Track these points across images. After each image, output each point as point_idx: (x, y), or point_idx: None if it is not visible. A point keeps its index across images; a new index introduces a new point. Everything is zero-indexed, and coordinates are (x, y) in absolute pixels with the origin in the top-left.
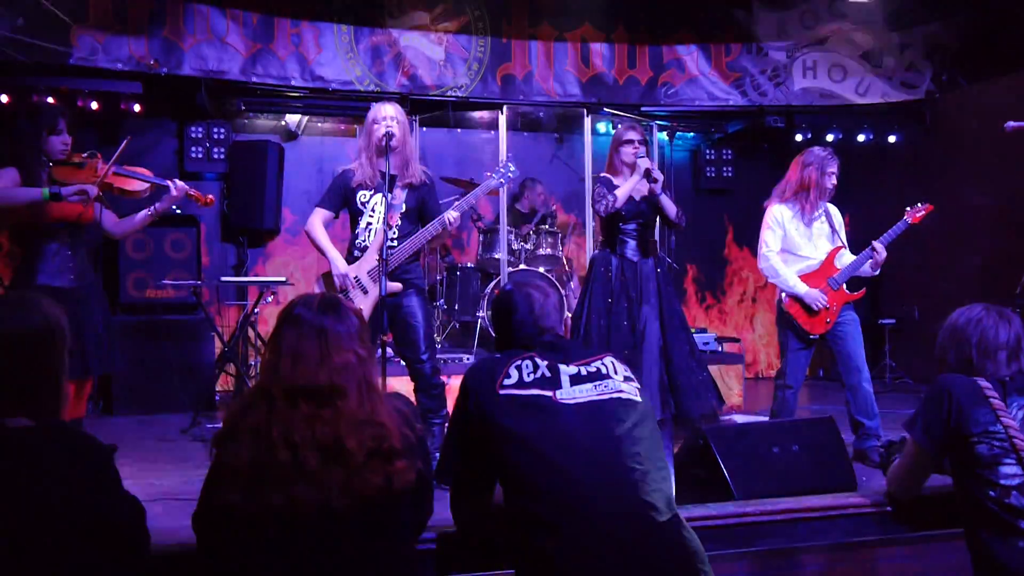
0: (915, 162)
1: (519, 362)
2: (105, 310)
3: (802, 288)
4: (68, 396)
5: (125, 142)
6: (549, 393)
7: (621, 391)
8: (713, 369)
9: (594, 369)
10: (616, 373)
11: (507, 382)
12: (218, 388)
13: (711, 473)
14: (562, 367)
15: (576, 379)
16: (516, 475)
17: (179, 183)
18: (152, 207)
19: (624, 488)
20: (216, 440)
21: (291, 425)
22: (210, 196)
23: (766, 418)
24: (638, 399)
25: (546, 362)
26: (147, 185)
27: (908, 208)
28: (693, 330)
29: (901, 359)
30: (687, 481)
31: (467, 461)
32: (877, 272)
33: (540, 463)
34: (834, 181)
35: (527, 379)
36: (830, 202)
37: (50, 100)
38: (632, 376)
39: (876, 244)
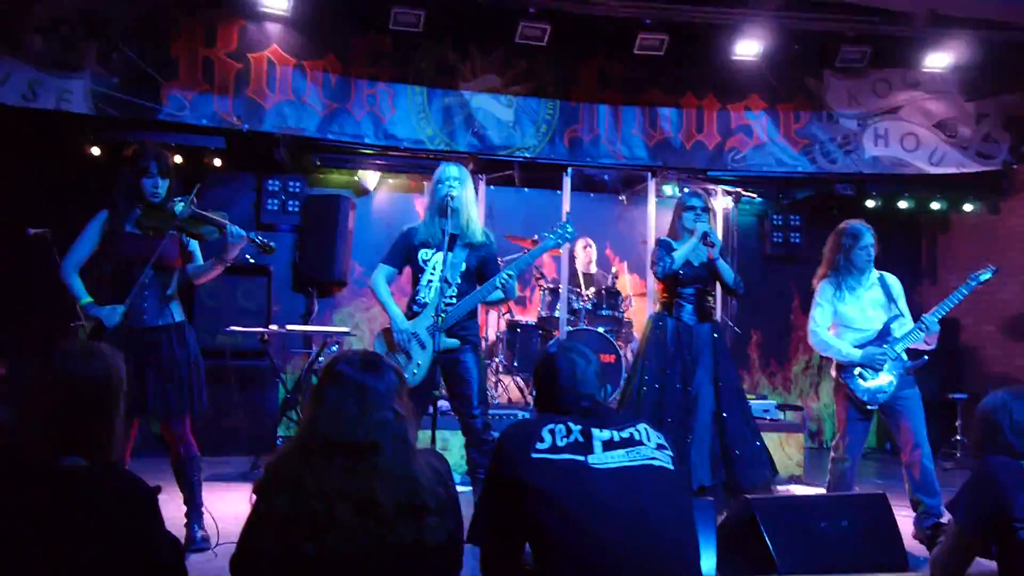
0: (991, 233)
1: (553, 426)
2: (185, 354)
3: (857, 354)
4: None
5: (196, 188)
6: (581, 458)
7: (654, 458)
8: (773, 437)
9: (627, 435)
10: (649, 440)
11: (540, 446)
12: (281, 434)
13: (756, 545)
14: (595, 432)
15: (609, 444)
16: (546, 538)
17: (236, 228)
18: (218, 255)
19: (653, 556)
20: (256, 488)
21: (326, 478)
22: (271, 244)
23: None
24: (670, 467)
25: (580, 427)
26: (215, 227)
27: (971, 273)
28: (753, 396)
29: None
30: (732, 552)
31: (499, 522)
32: (933, 346)
33: (570, 527)
34: (869, 254)
35: (560, 444)
36: (886, 271)
37: (147, 145)
38: (666, 444)
39: (925, 318)
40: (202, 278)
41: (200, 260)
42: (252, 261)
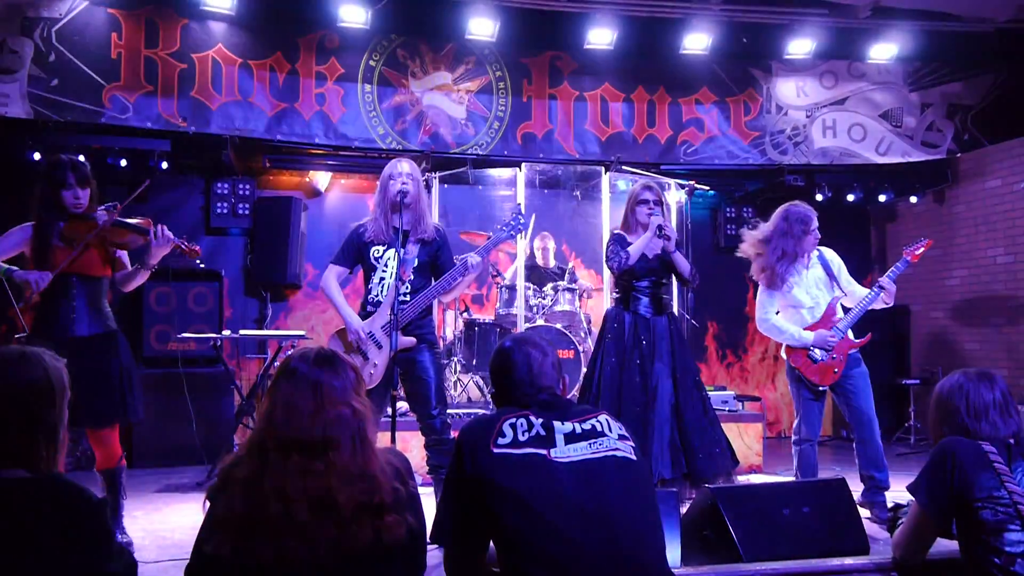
0: (938, 221)
1: (513, 420)
2: (117, 364)
3: (808, 336)
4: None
5: (142, 188)
6: (543, 452)
7: (616, 449)
8: (732, 428)
9: (589, 427)
10: (611, 431)
11: (501, 441)
12: (237, 441)
13: (720, 535)
14: (557, 425)
15: (571, 437)
16: (509, 535)
17: (164, 231)
18: (142, 261)
19: (617, 549)
20: (210, 492)
21: (283, 478)
22: (196, 247)
23: (785, 479)
24: (633, 458)
25: (541, 420)
26: (138, 235)
27: (905, 247)
28: (711, 388)
29: (927, 420)
30: (697, 542)
31: (461, 520)
32: (891, 303)
33: (533, 523)
34: (817, 237)
35: (521, 438)
36: (822, 246)
37: (62, 157)
38: (627, 435)
39: (882, 281)
40: (128, 285)
41: (129, 267)
42: (202, 266)
